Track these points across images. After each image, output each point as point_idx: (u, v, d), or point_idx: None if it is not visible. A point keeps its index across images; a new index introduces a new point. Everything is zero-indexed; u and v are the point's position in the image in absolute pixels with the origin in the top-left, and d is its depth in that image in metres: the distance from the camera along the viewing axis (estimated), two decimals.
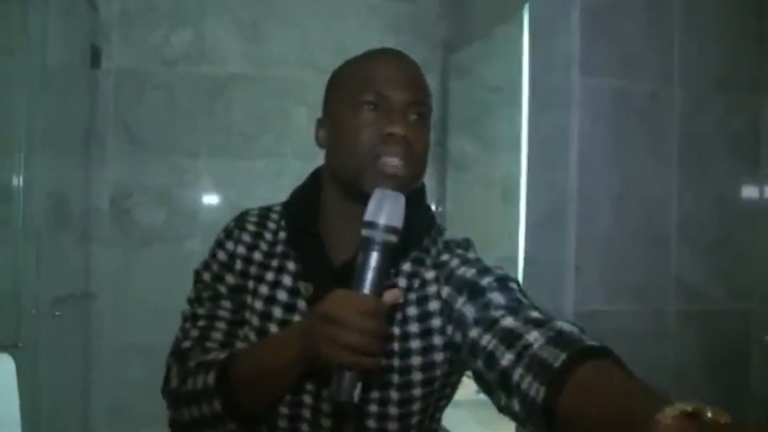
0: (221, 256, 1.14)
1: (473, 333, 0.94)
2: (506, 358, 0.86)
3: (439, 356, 1.05)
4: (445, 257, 1.10)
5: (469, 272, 1.03)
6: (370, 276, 0.89)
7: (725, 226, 1.50)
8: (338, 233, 1.09)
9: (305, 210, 1.13)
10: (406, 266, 1.09)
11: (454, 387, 1.13)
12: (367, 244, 0.89)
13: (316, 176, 1.18)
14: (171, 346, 1.12)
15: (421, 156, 1.06)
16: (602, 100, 1.39)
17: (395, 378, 1.04)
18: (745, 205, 1.53)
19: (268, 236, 1.15)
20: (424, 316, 1.06)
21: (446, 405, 1.14)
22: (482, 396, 2.29)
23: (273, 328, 1.07)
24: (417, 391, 1.05)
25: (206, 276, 1.14)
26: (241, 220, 1.17)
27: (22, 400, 2.03)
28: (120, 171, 2.98)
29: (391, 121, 1.02)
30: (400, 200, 0.93)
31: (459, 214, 3.23)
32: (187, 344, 1.09)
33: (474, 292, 1.00)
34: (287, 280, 1.10)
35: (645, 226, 1.40)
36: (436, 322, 1.05)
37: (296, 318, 1.07)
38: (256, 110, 3.11)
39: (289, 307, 1.08)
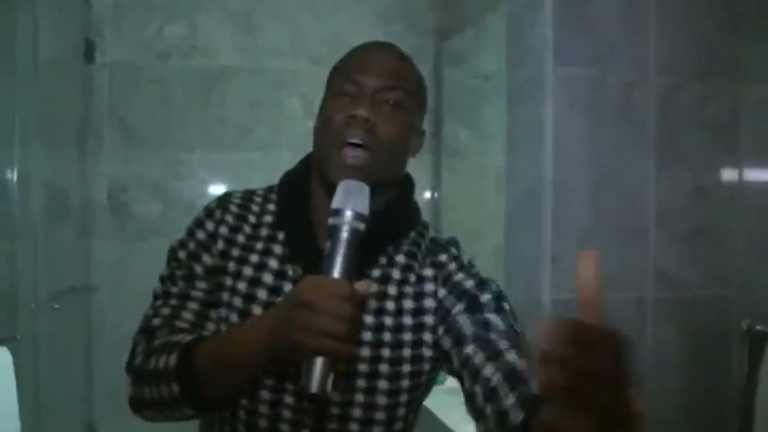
0: (200, 235, 1.12)
1: (468, 350, 0.98)
2: (509, 399, 0.86)
3: (428, 352, 1.07)
4: (443, 257, 1.12)
5: (468, 282, 1.08)
6: (339, 263, 0.88)
7: (703, 213, 1.50)
8: (325, 220, 1.06)
9: (296, 194, 1.13)
10: (400, 258, 1.11)
11: (433, 383, 1.15)
12: (334, 232, 0.90)
13: (306, 162, 1.18)
14: (140, 324, 1.10)
15: (389, 143, 1.04)
16: (577, 90, 1.39)
17: (385, 368, 1.04)
18: (723, 192, 1.54)
19: (252, 219, 1.13)
20: (419, 311, 1.08)
21: (423, 400, 1.16)
22: None
23: (257, 309, 1.06)
24: (405, 383, 1.06)
25: (182, 254, 1.12)
26: (223, 201, 1.15)
27: (21, 393, 2.06)
28: (116, 164, 3.01)
29: (357, 104, 1.03)
30: (365, 189, 0.94)
31: (454, 202, 3.24)
32: (156, 322, 1.07)
33: (472, 305, 1.04)
34: (273, 263, 1.08)
35: (622, 215, 1.41)
36: (428, 319, 1.08)
37: (285, 285, 1.07)
38: (250, 102, 3.12)
39: (275, 290, 1.06)
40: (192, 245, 1.12)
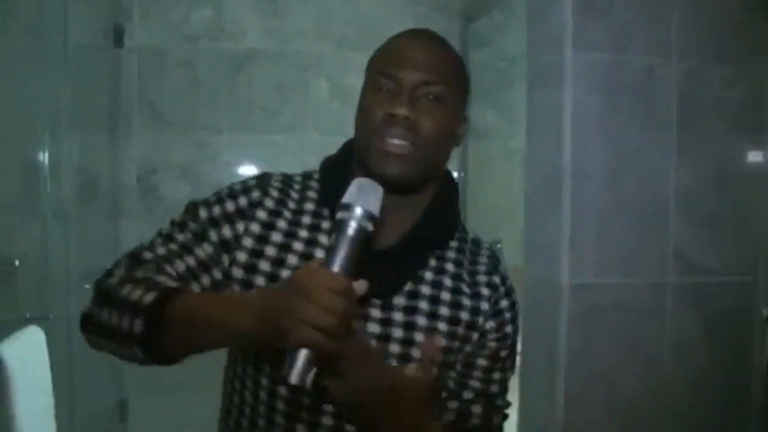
0: (229, 206, 1.08)
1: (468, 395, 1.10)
2: None
3: (461, 331, 1.07)
4: (496, 280, 1.12)
5: (503, 352, 1.12)
6: (340, 257, 0.86)
7: (724, 197, 1.49)
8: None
9: (340, 180, 1.04)
10: (451, 254, 1.11)
11: None
12: (340, 226, 0.87)
13: (347, 149, 1.14)
14: (131, 249, 1.07)
15: (430, 139, 1.02)
16: (597, 74, 1.38)
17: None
18: (745, 176, 1.52)
19: (292, 205, 1.09)
20: (475, 306, 1.09)
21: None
22: None
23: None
24: (415, 353, 1.04)
25: (203, 213, 1.07)
26: (263, 182, 1.11)
27: (54, 371, 2.12)
28: (145, 147, 3.06)
29: (396, 102, 1.01)
30: (378, 189, 0.91)
31: (480, 183, 3.24)
32: (147, 255, 1.05)
33: (491, 366, 1.11)
34: (319, 252, 1.04)
35: (641, 199, 1.41)
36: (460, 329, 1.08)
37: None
38: (277, 85, 3.14)
39: (303, 258, 1.03)
40: (217, 210, 1.07)
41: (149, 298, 0.93)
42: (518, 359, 2.25)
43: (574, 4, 1.33)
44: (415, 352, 1.04)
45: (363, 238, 0.88)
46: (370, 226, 0.88)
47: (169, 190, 3.06)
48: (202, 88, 3.07)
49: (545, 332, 1.41)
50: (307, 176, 1.15)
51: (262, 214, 1.07)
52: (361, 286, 0.88)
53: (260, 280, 1.04)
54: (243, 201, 1.08)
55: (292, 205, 1.09)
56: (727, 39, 1.47)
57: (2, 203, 2.25)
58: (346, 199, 0.89)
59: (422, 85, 1.02)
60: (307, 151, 3.08)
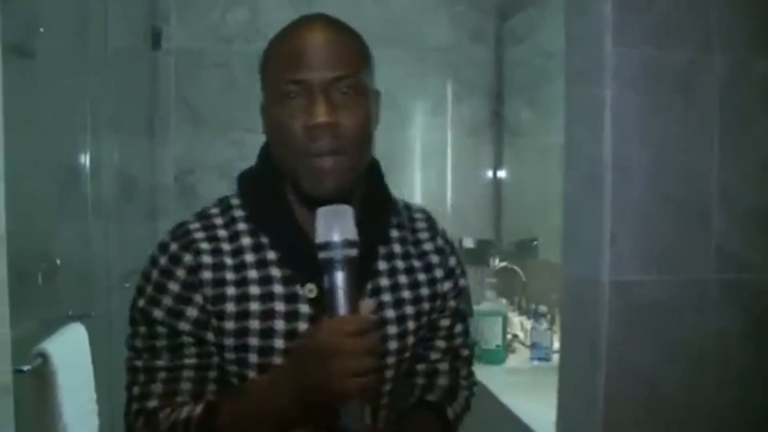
0: (173, 287, 0.98)
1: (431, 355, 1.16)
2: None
3: (426, 306, 1.11)
4: (440, 243, 1.15)
5: (461, 304, 1.17)
6: (342, 296, 0.85)
7: None
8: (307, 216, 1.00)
9: (272, 204, 1.02)
10: (394, 233, 1.11)
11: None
12: (329, 265, 0.86)
13: (265, 161, 1.06)
14: (127, 404, 1.00)
15: (358, 138, 0.97)
16: (637, 69, 1.36)
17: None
18: None
19: (227, 247, 1.01)
20: (430, 278, 1.13)
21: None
22: (536, 363, 2.31)
23: (279, 342, 0.98)
24: (392, 344, 1.06)
25: (157, 314, 0.98)
26: (186, 241, 1.00)
27: (96, 367, 2.16)
28: (182, 148, 3.10)
29: (313, 109, 0.93)
30: (348, 212, 0.88)
31: (515, 181, 3.22)
32: (153, 403, 0.97)
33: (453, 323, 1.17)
34: (278, 288, 0.99)
35: (683, 194, 1.38)
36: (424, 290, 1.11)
37: (300, 307, 0.99)
38: None
39: (292, 316, 0.99)
40: (168, 301, 0.98)
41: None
42: (555, 356, 2.24)
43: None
44: (392, 345, 1.05)
45: (352, 265, 0.87)
46: (353, 252, 0.87)
47: (206, 190, 3.09)
48: (238, 89, 3.09)
49: (585, 330, 1.39)
50: (225, 207, 1.06)
51: (207, 275, 0.98)
52: (369, 305, 0.88)
53: (230, 341, 0.98)
54: (181, 273, 0.98)
55: (226, 247, 1.00)
56: None
57: (45, 204, 2.29)
58: (321, 237, 0.87)
59: (334, 82, 0.95)
60: None
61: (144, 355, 0.99)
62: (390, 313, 1.05)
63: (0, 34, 1.41)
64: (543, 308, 2.37)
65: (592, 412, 1.40)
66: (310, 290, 0.99)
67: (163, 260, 1.00)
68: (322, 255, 0.86)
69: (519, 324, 2.70)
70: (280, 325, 0.98)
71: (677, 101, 1.38)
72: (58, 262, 2.30)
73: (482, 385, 2.13)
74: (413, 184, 3.27)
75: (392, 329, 1.05)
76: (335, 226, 0.86)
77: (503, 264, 2.95)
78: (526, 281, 2.88)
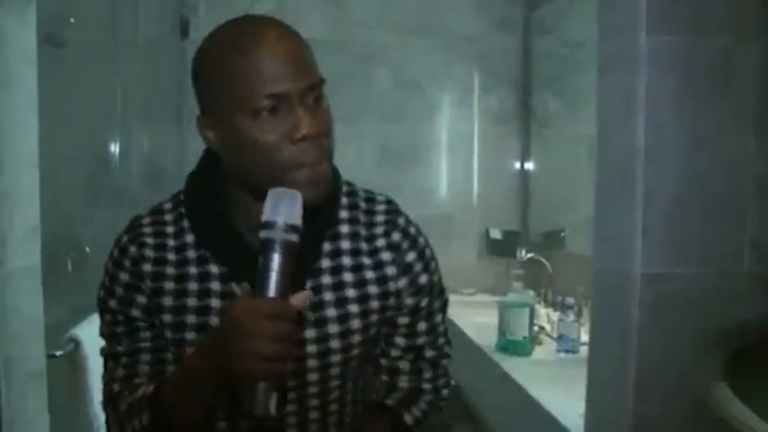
0: (123, 276, 1.02)
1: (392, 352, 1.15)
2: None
3: (375, 304, 1.08)
4: (396, 238, 1.10)
5: (423, 301, 1.13)
6: (273, 278, 0.84)
7: None
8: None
9: (212, 206, 1.03)
10: (345, 228, 1.08)
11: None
12: (266, 245, 0.85)
13: (212, 166, 1.08)
14: (103, 391, 1.06)
15: (332, 140, 1.00)
16: (670, 58, 1.35)
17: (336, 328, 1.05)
18: None
19: (172, 242, 1.04)
20: (380, 276, 1.09)
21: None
22: (562, 355, 2.30)
23: (214, 320, 1.00)
24: (335, 343, 1.05)
25: (112, 303, 1.03)
26: (134, 234, 1.04)
27: None
28: None
29: (298, 122, 0.93)
30: (297, 198, 0.88)
31: (543, 172, 3.20)
32: (116, 387, 1.03)
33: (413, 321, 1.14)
34: (215, 285, 1.02)
35: (717, 185, 1.36)
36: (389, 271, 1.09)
37: None
38: (339, 74, 3.15)
39: (225, 295, 1.01)
40: (119, 290, 1.03)
41: (146, 419, 0.96)
42: (582, 348, 2.22)
43: None
44: (335, 344, 1.04)
45: (291, 251, 0.86)
46: (294, 238, 0.86)
47: None
48: None
49: (615, 323, 1.38)
50: (176, 203, 1.08)
51: (147, 267, 1.02)
52: (301, 298, 0.88)
53: (170, 334, 1.02)
54: (128, 263, 1.02)
55: (171, 242, 1.03)
56: None
57: (74, 192, 2.32)
58: (266, 216, 0.86)
59: (308, 91, 0.95)
60: (368, 141, 3.10)
61: (108, 342, 1.06)
62: (331, 312, 1.04)
63: (35, 24, 1.42)
64: (570, 300, 2.36)
65: (622, 404, 1.39)
66: (243, 288, 0.98)
67: (115, 252, 1.04)
68: (263, 234, 0.86)
69: (545, 316, 2.69)
70: (215, 321, 0.99)
71: (712, 90, 1.36)
72: (88, 249, 2.33)
73: (508, 377, 2.13)
74: (439, 174, 3.27)
75: (334, 328, 1.04)
76: (281, 209, 0.86)
77: (530, 255, 2.94)
78: (552, 273, 2.86)
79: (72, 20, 2.12)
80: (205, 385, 0.90)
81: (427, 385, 1.18)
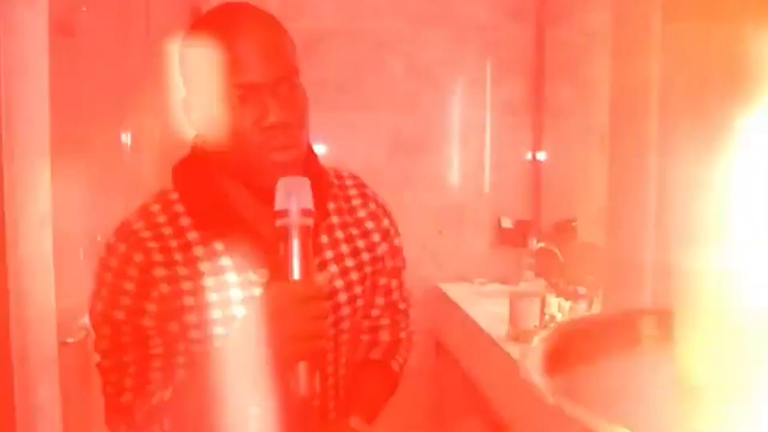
0: (129, 286, 0.99)
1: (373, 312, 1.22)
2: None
3: (368, 269, 1.16)
4: (372, 207, 1.19)
5: (398, 262, 1.23)
6: (297, 263, 0.88)
7: None
8: (259, 214, 1.03)
9: (214, 199, 1.04)
10: (331, 206, 1.14)
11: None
12: (284, 234, 0.89)
13: (201, 159, 1.08)
14: (105, 407, 1.03)
15: (305, 126, 1.01)
16: (685, 45, 1.33)
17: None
18: None
19: (174, 243, 1.02)
20: (368, 244, 1.17)
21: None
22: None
23: (239, 310, 1.00)
24: (345, 310, 1.11)
25: (118, 315, 0.99)
26: (134, 240, 1.00)
27: None
28: None
29: (266, 111, 0.95)
30: (306, 184, 0.92)
31: (555, 161, 3.19)
32: (127, 397, 0.99)
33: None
34: (232, 276, 1.01)
35: (732, 175, 1.35)
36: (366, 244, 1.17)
37: (257, 291, 1.01)
38: (352, 62, 3.14)
39: (250, 302, 1.00)
40: (126, 300, 0.99)
41: (167, 425, 0.95)
42: None
43: None
44: (345, 311, 1.10)
45: (308, 234, 0.90)
46: (309, 222, 0.90)
47: None
48: None
49: None
50: (165, 203, 1.06)
51: (160, 272, 0.99)
52: (326, 277, 0.94)
53: (195, 333, 1.01)
54: (134, 272, 0.99)
55: (174, 243, 1.01)
56: None
57: (85, 181, 2.32)
58: (280, 205, 0.90)
59: (280, 81, 0.97)
60: (381, 129, 3.09)
61: (111, 354, 1.01)
62: (338, 283, 1.10)
63: (47, 13, 1.42)
64: (582, 289, 2.35)
65: None
66: (261, 274, 1.01)
67: (113, 262, 1.00)
68: (279, 222, 0.89)
69: (556, 305, 2.68)
70: (239, 311, 1.00)
71: (726, 77, 1.34)
72: (99, 238, 2.33)
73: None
74: (451, 163, 3.25)
75: (342, 297, 1.10)
76: (293, 196, 0.90)
77: (541, 245, 2.93)
78: (564, 262, 2.85)
79: (84, 9, 2.12)
80: (239, 376, 0.90)
81: (403, 334, 1.28)
